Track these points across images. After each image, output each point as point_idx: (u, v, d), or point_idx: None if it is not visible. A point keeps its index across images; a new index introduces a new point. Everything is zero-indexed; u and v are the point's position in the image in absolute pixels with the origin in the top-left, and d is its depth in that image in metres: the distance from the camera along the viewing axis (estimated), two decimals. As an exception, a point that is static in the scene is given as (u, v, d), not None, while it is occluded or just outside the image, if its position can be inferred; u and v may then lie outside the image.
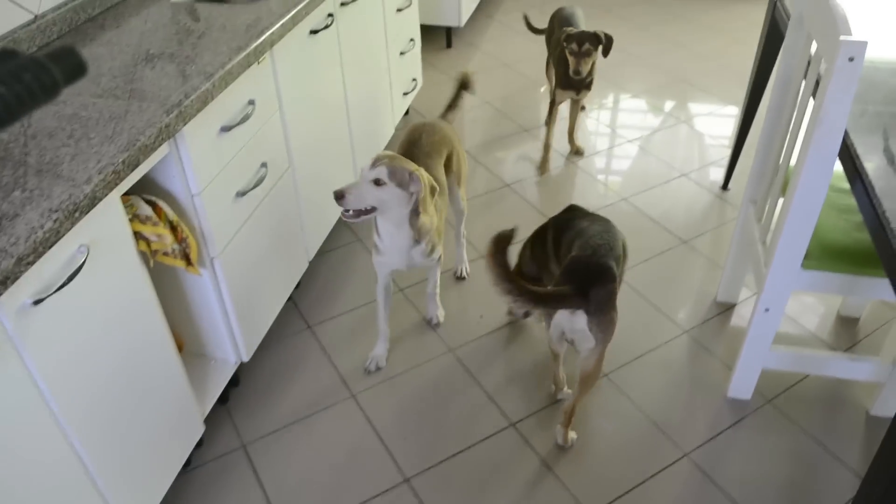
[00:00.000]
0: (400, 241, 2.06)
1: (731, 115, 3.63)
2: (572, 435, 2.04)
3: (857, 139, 1.63)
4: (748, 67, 3.03)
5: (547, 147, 3.24)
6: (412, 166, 1.94)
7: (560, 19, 3.30)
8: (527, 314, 2.40)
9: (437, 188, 2.01)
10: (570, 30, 3.02)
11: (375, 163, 1.91)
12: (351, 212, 1.93)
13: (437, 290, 2.43)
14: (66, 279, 1.34)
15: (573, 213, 2.08)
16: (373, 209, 1.94)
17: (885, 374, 2.01)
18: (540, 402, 2.17)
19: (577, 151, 3.33)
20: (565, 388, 2.17)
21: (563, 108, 3.36)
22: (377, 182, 1.90)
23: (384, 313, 2.28)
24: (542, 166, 3.23)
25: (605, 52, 3.02)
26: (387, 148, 3.17)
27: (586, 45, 2.96)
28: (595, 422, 2.11)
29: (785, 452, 2.00)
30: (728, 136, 3.45)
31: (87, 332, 1.44)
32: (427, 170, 2.09)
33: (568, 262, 1.85)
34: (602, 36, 2.99)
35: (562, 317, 1.80)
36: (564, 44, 3.01)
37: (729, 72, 4.05)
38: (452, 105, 2.57)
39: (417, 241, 2.07)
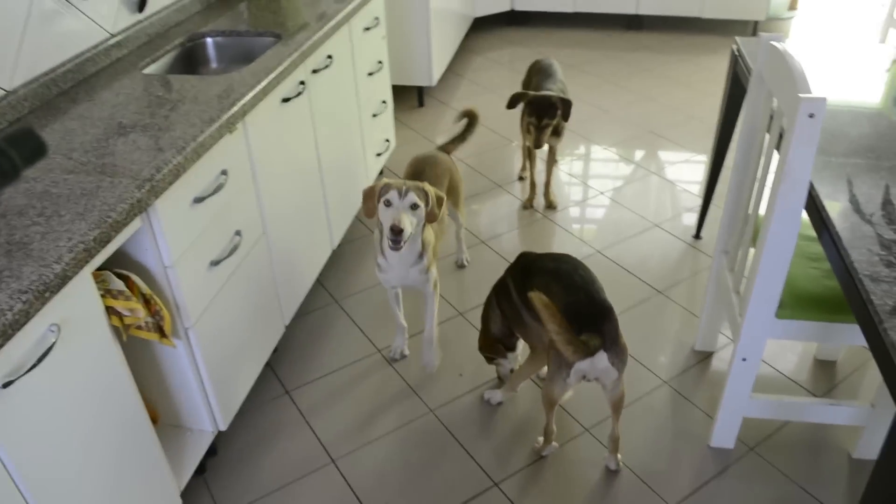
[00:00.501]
0: (406, 257, 2.23)
1: (701, 164, 3.70)
2: (620, 457, 2.11)
3: (822, 189, 1.67)
4: (715, 118, 3.10)
5: (532, 185, 3.38)
6: (420, 183, 2.12)
7: (537, 70, 3.38)
8: (511, 370, 2.39)
9: (444, 197, 2.20)
10: (532, 95, 3.11)
11: (403, 191, 2.07)
12: (402, 241, 2.06)
13: (435, 332, 2.41)
14: (36, 360, 1.32)
15: (529, 259, 2.13)
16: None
17: (864, 418, 2.02)
18: (522, 461, 2.15)
19: (550, 205, 3.37)
20: (554, 443, 2.15)
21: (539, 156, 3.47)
22: (414, 206, 2.08)
23: (398, 313, 2.50)
24: (529, 200, 3.38)
25: (565, 117, 3.14)
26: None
27: (545, 120, 3.09)
28: (579, 476, 2.09)
29: (771, 500, 1.99)
30: (698, 183, 3.51)
31: (59, 412, 1.42)
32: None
33: (565, 309, 1.86)
34: (558, 102, 3.09)
35: (585, 363, 1.83)
36: (525, 115, 3.15)
37: (697, 123, 4.14)
38: (460, 138, 2.85)
39: (420, 256, 2.24)
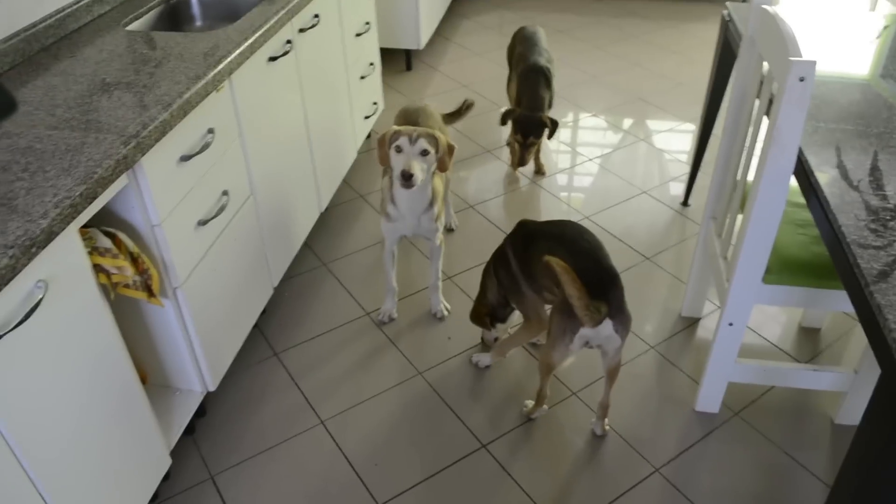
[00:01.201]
0: (417, 204, 2.25)
1: (689, 132, 3.70)
2: (607, 422, 2.13)
3: (811, 156, 1.67)
4: (703, 85, 3.10)
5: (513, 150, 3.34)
6: (431, 130, 2.13)
7: (521, 39, 3.36)
8: (496, 339, 2.40)
9: (454, 146, 2.20)
10: (519, 113, 3.13)
11: (414, 136, 2.08)
12: (413, 185, 2.09)
13: (440, 282, 2.54)
14: (24, 316, 1.31)
15: (530, 227, 2.11)
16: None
17: (847, 384, 2.04)
18: (510, 423, 2.17)
19: (539, 171, 3.36)
20: (544, 406, 2.17)
21: None
22: (424, 153, 2.09)
23: (391, 273, 2.50)
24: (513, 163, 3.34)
25: (550, 136, 3.17)
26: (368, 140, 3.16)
27: (531, 139, 3.11)
28: (567, 439, 2.11)
29: (754, 464, 2.03)
30: (687, 153, 3.51)
31: (48, 368, 1.41)
32: None
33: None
34: (548, 122, 3.12)
35: (588, 329, 1.83)
36: (512, 131, 3.17)
37: (685, 90, 4.13)
38: (454, 115, 2.92)
39: (430, 204, 2.26)
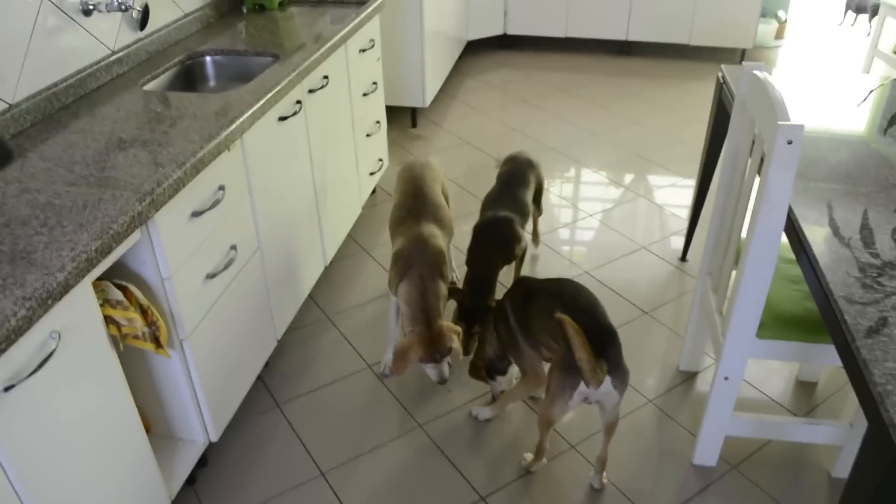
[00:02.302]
0: None
1: (688, 188, 3.77)
2: (605, 478, 2.15)
3: (801, 214, 1.73)
4: (702, 143, 3.17)
5: None
6: (441, 341, 2.23)
7: (504, 171, 2.92)
8: (502, 392, 2.43)
9: (458, 329, 2.29)
10: (460, 295, 2.55)
11: (435, 360, 2.24)
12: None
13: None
14: (37, 365, 1.36)
15: (529, 284, 2.17)
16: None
17: (843, 437, 2.06)
18: (509, 476, 2.18)
19: (535, 240, 3.29)
20: (543, 459, 2.19)
21: None
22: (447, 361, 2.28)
23: (395, 325, 2.55)
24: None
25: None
26: (367, 204, 3.23)
27: (476, 327, 2.53)
28: (566, 492, 2.12)
29: (751, 519, 2.04)
30: (686, 209, 3.58)
31: (57, 418, 1.45)
32: (433, 199, 2.53)
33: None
34: (487, 309, 2.51)
35: (592, 387, 1.86)
36: (455, 315, 2.61)
37: (684, 147, 4.23)
38: None
39: None
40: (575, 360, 1.84)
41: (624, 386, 1.91)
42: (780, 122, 1.61)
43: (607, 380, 1.85)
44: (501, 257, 2.61)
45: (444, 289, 2.32)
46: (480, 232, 2.66)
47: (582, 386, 1.87)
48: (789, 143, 1.62)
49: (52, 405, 1.43)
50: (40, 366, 1.36)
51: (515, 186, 2.78)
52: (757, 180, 1.84)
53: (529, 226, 3.03)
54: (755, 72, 1.90)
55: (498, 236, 2.64)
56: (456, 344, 2.24)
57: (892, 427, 1.16)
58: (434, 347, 2.22)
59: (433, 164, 2.72)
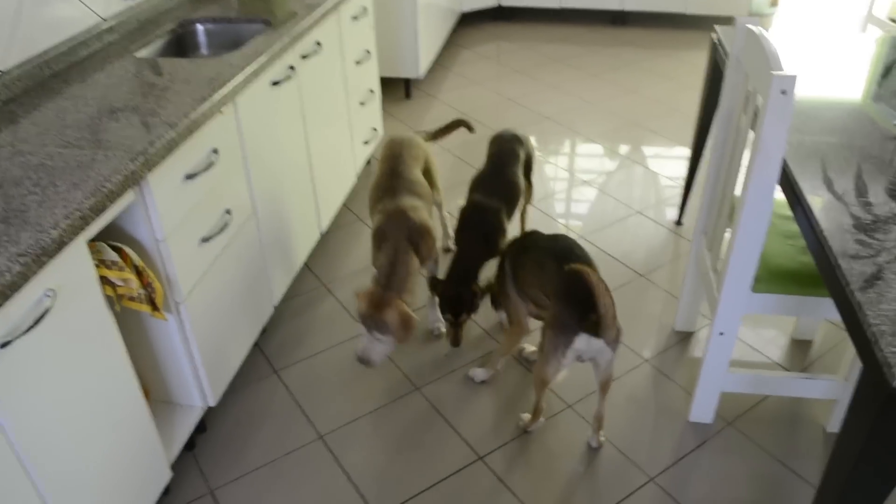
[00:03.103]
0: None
1: (683, 156, 3.77)
2: (602, 436, 2.17)
3: (796, 167, 1.73)
4: (696, 110, 3.16)
5: None
6: (383, 311, 2.12)
7: (491, 151, 2.79)
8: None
9: (411, 319, 2.14)
10: (441, 288, 2.44)
11: (367, 325, 2.15)
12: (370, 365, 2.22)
13: (437, 299, 2.50)
14: (33, 322, 1.36)
15: (531, 239, 2.19)
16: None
17: (838, 392, 2.08)
18: (507, 436, 2.20)
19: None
20: (541, 418, 2.20)
21: None
22: (378, 339, 2.17)
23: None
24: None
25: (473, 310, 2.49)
26: (365, 170, 3.23)
27: (462, 317, 2.44)
28: (563, 451, 2.14)
29: (748, 473, 2.05)
30: (681, 176, 3.57)
31: (54, 376, 1.45)
32: (409, 177, 2.44)
33: (564, 287, 1.92)
34: (478, 292, 2.43)
35: (582, 342, 1.89)
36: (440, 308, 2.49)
37: (679, 115, 4.21)
38: (443, 131, 2.95)
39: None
40: (567, 318, 1.86)
41: (617, 343, 1.93)
42: (773, 73, 1.60)
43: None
44: (486, 252, 2.48)
45: (415, 264, 2.25)
46: (467, 220, 2.52)
47: (575, 343, 1.88)
48: (783, 93, 1.61)
49: (49, 364, 1.44)
50: (36, 323, 1.36)
51: (504, 165, 2.65)
52: (751, 137, 1.84)
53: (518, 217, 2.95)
54: (749, 26, 1.89)
55: (484, 227, 2.49)
56: (395, 326, 2.11)
57: (886, 366, 1.16)
58: (372, 311, 2.13)
59: (416, 141, 2.62)
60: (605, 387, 2.07)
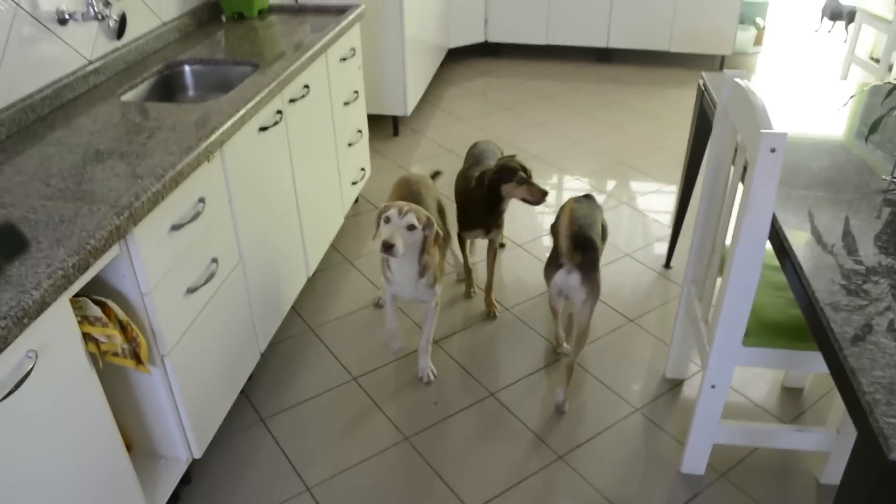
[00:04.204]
0: (409, 273, 2.34)
1: (670, 195, 3.78)
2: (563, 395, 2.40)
3: (785, 221, 1.73)
4: (683, 149, 3.18)
5: (468, 270, 3.01)
6: (423, 210, 2.24)
7: (472, 156, 3.01)
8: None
9: (442, 234, 2.34)
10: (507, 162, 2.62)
11: (403, 211, 2.18)
12: (393, 254, 2.17)
13: (429, 346, 2.58)
14: (14, 385, 1.32)
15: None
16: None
17: (830, 443, 2.07)
18: (498, 487, 2.16)
19: (490, 314, 2.91)
20: (565, 344, 2.66)
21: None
22: (410, 227, 2.18)
23: (391, 312, 2.54)
24: (468, 291, 3.02)
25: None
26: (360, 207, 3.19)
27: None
28: (555, 502, 2.11)
29: (740, 528, 2.03)
30: (668, 215, 3.58)
31: (36, 437, 1.41)
32: (426, 202, 2.54)
33: (554, 232, 2.35)
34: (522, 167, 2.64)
35: (560, 276, 2.25)
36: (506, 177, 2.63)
37: (665, 154, 4.24)
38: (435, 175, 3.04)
39: (421, 274, 2.34)
40: (552, 257, 2.30)
41: (592, 292, 2.25)
42: (763, 131, 1.60)
43: (576, 274, 2.22)
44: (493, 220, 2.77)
45: (426, 213, 2.26)
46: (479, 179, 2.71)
47: (556, 277, 2.25)
48: (772, 151, 1.62)
49: (31, 426, 1.40)
50: (17, 386, 1.33)
51: (487, 160, 2.94)
52: (740, 188, 1.84)
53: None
54: (737, 80, 1.90)
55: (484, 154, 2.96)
56: (425, 223, 2.21)
57: (882, 437, 1.15)
58: (408, 201, 2.33)
59: (428, 182, 2.71)
60: (578, 338, 2.32)
